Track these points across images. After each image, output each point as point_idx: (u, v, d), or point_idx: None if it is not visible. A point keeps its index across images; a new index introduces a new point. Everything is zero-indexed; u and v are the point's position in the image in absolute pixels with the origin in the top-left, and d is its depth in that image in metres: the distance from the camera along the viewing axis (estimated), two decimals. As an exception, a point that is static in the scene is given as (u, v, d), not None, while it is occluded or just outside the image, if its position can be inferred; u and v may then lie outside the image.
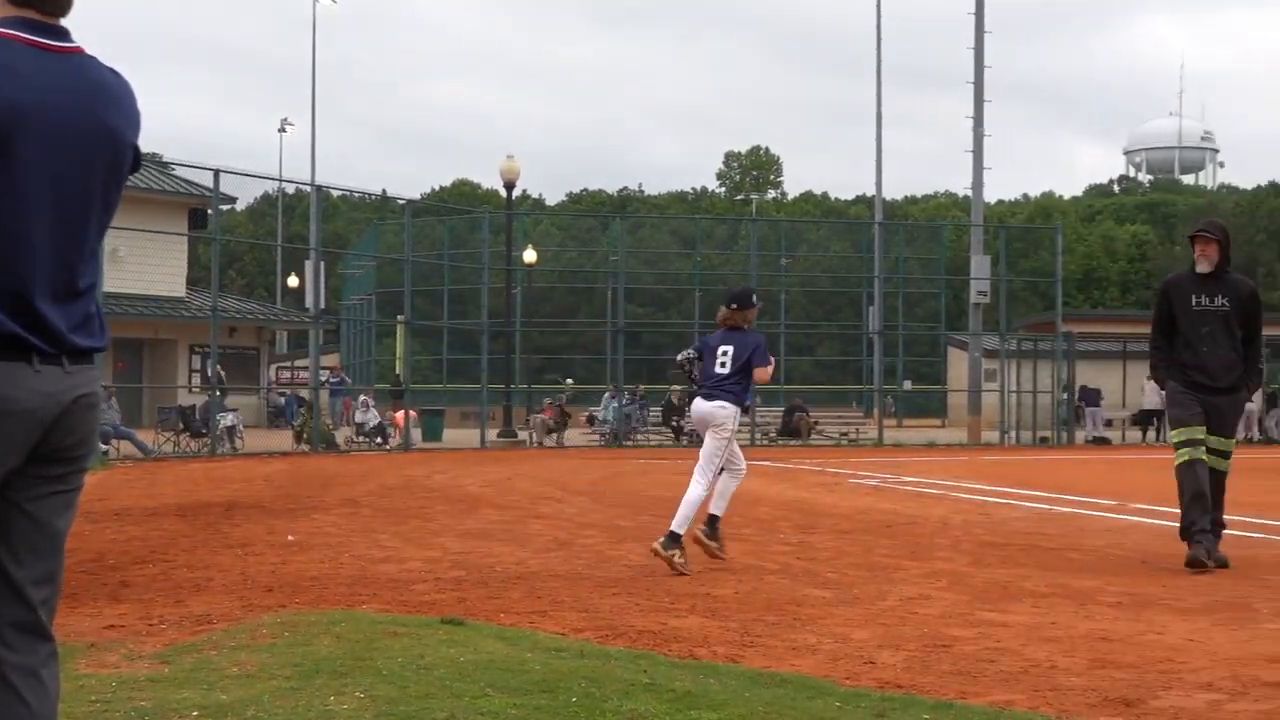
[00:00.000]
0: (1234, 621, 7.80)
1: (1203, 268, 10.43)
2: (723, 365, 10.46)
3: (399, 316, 40.35)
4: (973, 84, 41.40)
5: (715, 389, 10.44)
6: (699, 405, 10.62)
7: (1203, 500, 10.06)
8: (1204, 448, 10.20)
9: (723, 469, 10.50)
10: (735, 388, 10.45)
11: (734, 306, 10.67)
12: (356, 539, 11.89)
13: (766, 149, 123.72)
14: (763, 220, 71.37)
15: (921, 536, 12.64)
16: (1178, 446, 10.30)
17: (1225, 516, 10.47)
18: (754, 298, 10.91)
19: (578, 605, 8.20)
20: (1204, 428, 10.24)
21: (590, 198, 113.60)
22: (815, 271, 67.07)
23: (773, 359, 10.69)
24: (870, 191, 73.01)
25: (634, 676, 5.87)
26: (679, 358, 11.27)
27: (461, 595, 8.57)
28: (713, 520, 10.43)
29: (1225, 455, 10.39)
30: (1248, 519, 10.12)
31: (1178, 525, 10.34)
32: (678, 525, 9.96)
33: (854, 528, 13.37)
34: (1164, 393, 10.82)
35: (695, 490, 10.25)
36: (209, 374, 32.29)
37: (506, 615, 7.77)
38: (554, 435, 35.37)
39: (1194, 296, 10.42)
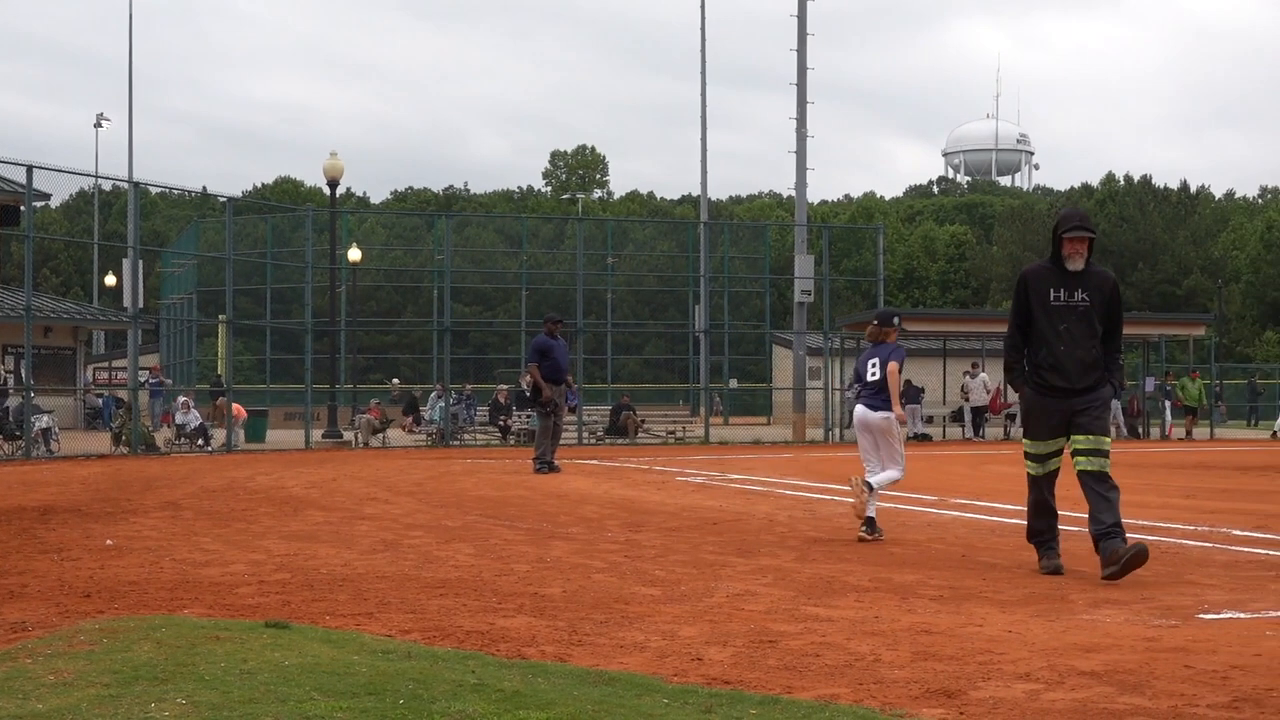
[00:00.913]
0: (1050, 613, 7.99)
1: (1075, 265, 9.83)
2: (873, 374, 12.43)
3: (221, 316, 39.67)
4: (795, 85, 41.87)
5: (873, 397, 12.40)
6: (861, 413, 12.54)
7: (1046, 507, 9.97)
8: (1055, 462, 9.97)
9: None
10: (887, 393, 12.32)
11: (876, 324, 12.81)
12: (177, 543, 11.66)
13: (593, 148, 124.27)
14: (589, 219, 71.51)
15: (748, 533, 12.75)
16: (1026, 458, 10.08)
17: (1061, 512, 10.18)
18: (895, 319, 12.94)
19: (404, 606, 8.13)
20: (1059, 440, 9.90)
21: (415, 196, 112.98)
22: (641, 271, 67.46)
23: (895, 364, 12.41)
24: (696, 191, 73.47)
25: (462, 677, 5.84)
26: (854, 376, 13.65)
27: (286, 598, 8.45)
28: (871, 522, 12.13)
29: (1101, 454, 9.73)
30: (1064, 513, 10.32)
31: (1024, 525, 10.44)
32: (870, 510, 12.02)
33: (681, 525, 13.44)
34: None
35: (890, 473, 12.35)
36: (20, 375, 31.49)
37: (332, 618, 7.68)
38: (380, 435, 35.08)
39: (1053, 290, 9.87)
